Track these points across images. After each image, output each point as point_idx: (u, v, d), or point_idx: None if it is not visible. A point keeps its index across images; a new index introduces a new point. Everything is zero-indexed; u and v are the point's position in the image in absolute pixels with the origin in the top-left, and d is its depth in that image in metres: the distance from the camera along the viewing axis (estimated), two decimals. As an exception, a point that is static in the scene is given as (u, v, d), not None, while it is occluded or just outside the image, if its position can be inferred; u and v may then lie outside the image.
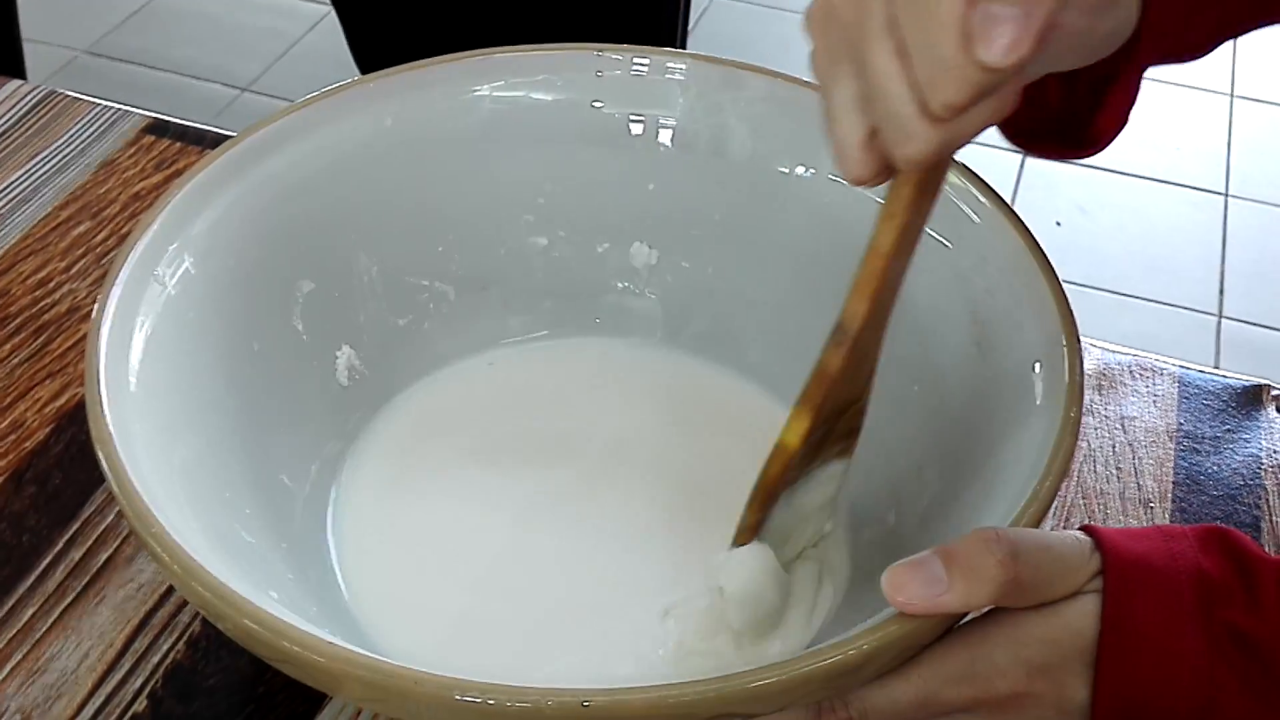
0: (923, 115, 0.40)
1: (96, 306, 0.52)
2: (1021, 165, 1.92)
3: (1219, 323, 1.82)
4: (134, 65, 2.23)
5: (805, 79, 0.62)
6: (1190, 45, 0.51)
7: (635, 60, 0.63)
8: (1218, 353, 1.79)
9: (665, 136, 0.64)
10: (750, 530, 0.53)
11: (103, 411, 0.48)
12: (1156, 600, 0.43)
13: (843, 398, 0.52)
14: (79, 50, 2.26)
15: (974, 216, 0.56)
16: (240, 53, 2.25)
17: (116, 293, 0.52)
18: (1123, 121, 0.51)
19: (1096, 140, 0.51)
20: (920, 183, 0.45)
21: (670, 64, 0.63)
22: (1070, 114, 0.52)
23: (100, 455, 0.47)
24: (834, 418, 0.52)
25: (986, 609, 0.45)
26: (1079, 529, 0.46)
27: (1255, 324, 1.83)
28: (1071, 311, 0.52)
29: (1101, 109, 0.50)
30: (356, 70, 1.14)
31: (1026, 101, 0.50)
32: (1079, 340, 0.51)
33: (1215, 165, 2.07)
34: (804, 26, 0.44)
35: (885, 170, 0.44)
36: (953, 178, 0.57)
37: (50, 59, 2.19)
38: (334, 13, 1.10)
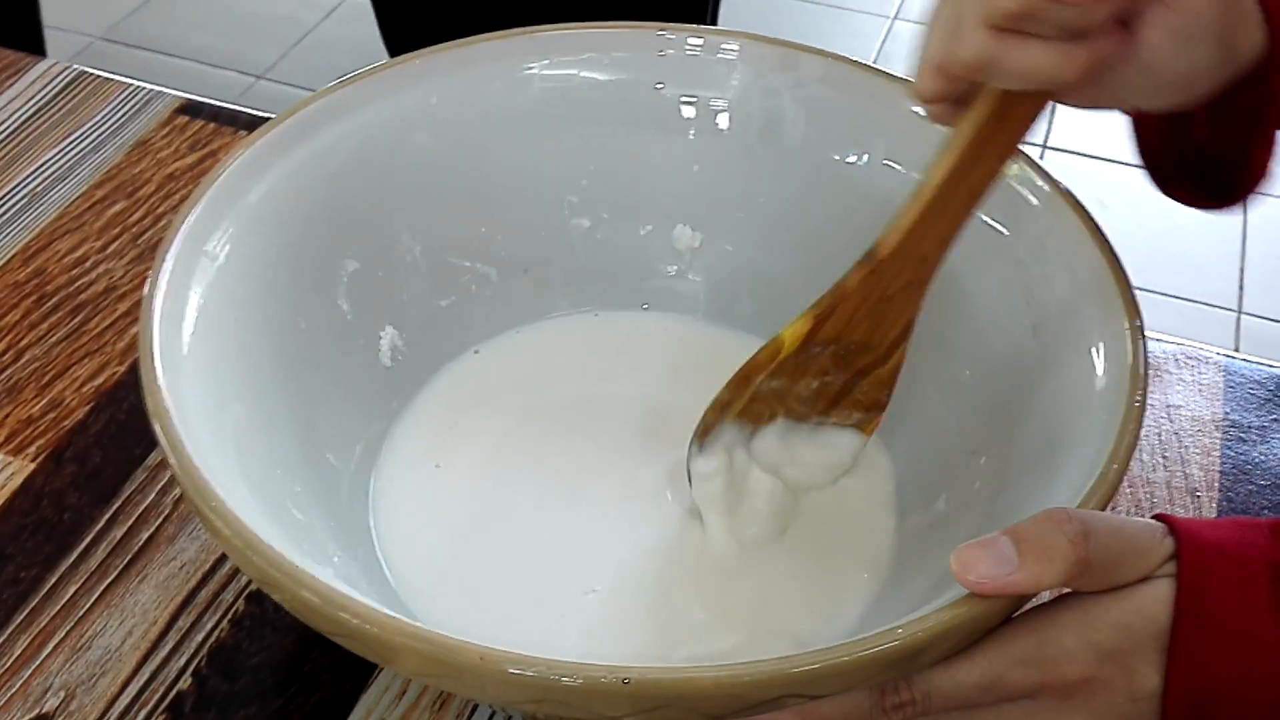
0: (980, 21, 0.43)
1: (149, 280, 0.51)
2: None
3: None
4: (149, 52, 2.23)
5: (860, 61, 0.62)
6: None
7: (690, 40, 0.63)
8: (1237, 348, 1.78)
9: (718, 119, 0.63)
10: (719, 408, 0.55)
11: (159, 385, 0.47)
12: (1232, 587, 0.43)
13: (858, 333, 0.53)
14: (94, 36, 2.25)
15: (1032, 199, 0.55)
16: (256, 40, 2.24)
17: (168, 266, 0.52)
18: (1261, 175, 0.51)
19: (1240, 189, 0.52)
20: (981, 122, 0.46)
21: (725, 44, 0.63)
22: (1215, 160, 0.52)
23: (157, 428, 0.46)
24: (847, 357, 0.53)
25: (1054, 594, 0.45)
26: (1151, 517, 0.45)
27: (1275, 320, 1.82)
28: (1134, 294, 0.51)
29: (1247, 160, 0.50)
30: (379, 55, 1.14)
31: (1174, 140, 0.51)
32: (1142, 322, 0.51)
33: (1234, 161, 2.06)
34: None
35: (948, 96, 0.46)
36: (1012, 165, 0.56)
37: (66, 44, 2.19)
38: (349, 1, 1.09)
